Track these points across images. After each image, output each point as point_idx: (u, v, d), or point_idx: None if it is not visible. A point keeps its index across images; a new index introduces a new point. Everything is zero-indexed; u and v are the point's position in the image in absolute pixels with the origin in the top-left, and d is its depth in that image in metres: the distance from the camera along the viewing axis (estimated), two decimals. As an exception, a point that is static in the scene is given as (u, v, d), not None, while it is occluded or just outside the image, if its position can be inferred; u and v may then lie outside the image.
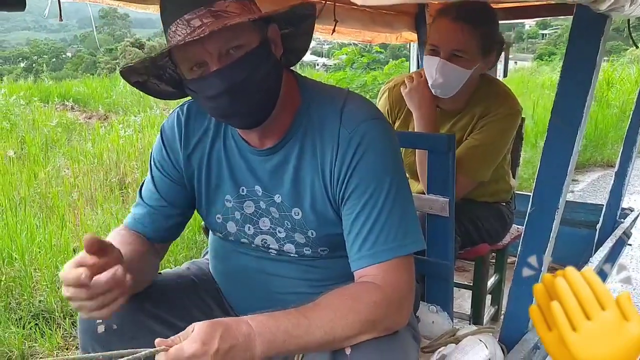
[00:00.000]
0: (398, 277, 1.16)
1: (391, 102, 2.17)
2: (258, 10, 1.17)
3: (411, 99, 2.02)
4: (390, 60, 9.85)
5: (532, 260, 1.48)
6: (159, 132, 1.39)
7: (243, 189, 1.30)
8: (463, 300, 2.69)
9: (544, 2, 2.31)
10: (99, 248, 1.01)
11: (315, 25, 2.47)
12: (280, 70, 1.21)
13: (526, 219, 1.46)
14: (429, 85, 1.96)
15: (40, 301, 3.12)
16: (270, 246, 1.32)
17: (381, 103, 2.21)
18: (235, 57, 1.10)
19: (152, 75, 1.20)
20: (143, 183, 1.41)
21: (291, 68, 1.32)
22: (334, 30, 2.50)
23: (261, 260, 1.34)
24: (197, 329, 0.97)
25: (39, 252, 3.64)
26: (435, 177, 1.63)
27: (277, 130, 1.24)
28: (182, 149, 1.34)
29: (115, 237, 1.29)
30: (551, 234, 1.43)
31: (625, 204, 2.87)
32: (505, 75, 6.03)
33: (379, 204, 1.16)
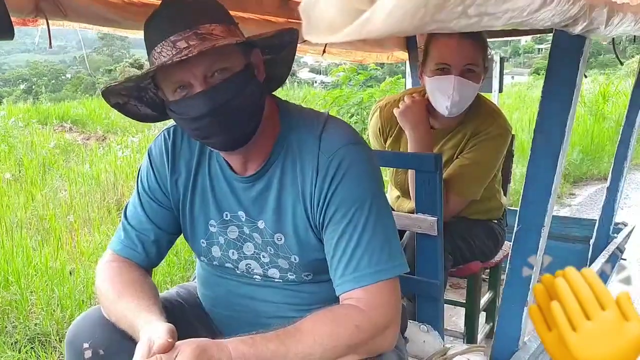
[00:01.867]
0: (382, 300, 1.16)
1: (382, 120, 2.18)
2: (242, 35, 1.19)
3: (406, 120, 2.00)
4: (387, 77, 9.89)
5: (520, 278, 1.48)
6: (147, 155, 1.39)
7: (227, 214, 1.31)
8: (458, 318, 2.68)
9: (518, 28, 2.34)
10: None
11: (306, 46, 2.51)
12: (263, 95, 1.22)
13: (513, 238, 1.47)
14: (445, 106, 1.94)
15: (36, 324, 3.11)
16: (255, 271, 1.32)
17: (373, 121, 2.22)
18: (220, 79, 1.11)
19: (132, 97, 1.22)
20: (127, 204, 1.41)
21: (274, 92, 1.34)
22: (324, 51, 2.53)
23: (246, 286, 1.35)
24: (181, 357, 0.98)
25: (35, 275, 3.64)
26: (423, 197, 1.63)
27: (258, 157, 1.25)
28: (169, 173, 1.35)
29: (117, 278, 1.29)
30: (538, 252, 1.43)
31: (622, 217, 2.88)
32: (500, 90, 6.06)
33: (360, 227, 1.17)
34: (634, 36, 1.99)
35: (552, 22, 0.80)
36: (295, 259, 1.27)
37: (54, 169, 7.00)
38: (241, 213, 1.29)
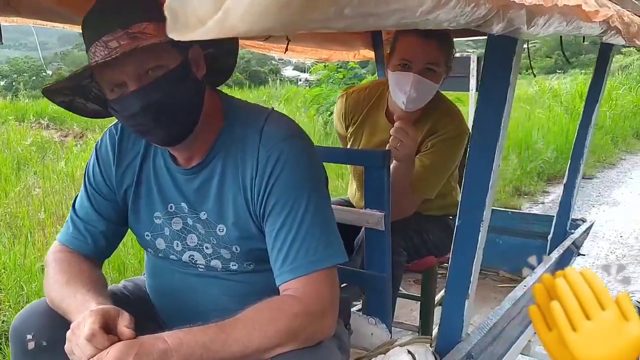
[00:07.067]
0: (319, 289, 1.20)
1: (347, 107, 2.23)
2: None
3: (407, 149, 1.90)
4: (369, 75, 9.91)
5: (462, 271, 1.52)
6: (94, 150, 1.43)
7: (171, 206, 1.34)
8: (416, 312, 2.72)
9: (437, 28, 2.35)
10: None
11: (269, 43, 2.52)
12: (202, 90, 1.25)
13: (454, 232, 1.51)
14: (402, 101, 1.97)
15: (3, 322, 3.10)
16: (198, 262, 1.35)
17: (337, 107, 2.27)
18: (153, 77, 1.14)
19: (77, 94, 1.25)
20: (76, 198, 1.44)
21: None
22: (287, 49, 2.55)
23: (189, 277, 1.38)
24: (112, 350, 1.01)
25: (4, 272, 3.62)
26: (372, 192, 1.67)
27: (201, 149, 1.29)
28: (115, 168, 1.38)
29: (66, 267, 1.32)
30: (478, 245, 1.47)
31: (593, 214, 2.93)
32: (478, 89, 6.12)
33: (298, 219, 1.21)
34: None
35: (458, 23, 0.82)
36: (236, 249, 1.30)
37: (29, 166, 6.95)
38: (184, 204, 1.33)
